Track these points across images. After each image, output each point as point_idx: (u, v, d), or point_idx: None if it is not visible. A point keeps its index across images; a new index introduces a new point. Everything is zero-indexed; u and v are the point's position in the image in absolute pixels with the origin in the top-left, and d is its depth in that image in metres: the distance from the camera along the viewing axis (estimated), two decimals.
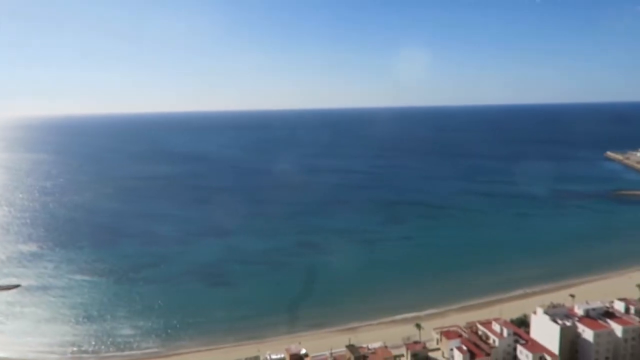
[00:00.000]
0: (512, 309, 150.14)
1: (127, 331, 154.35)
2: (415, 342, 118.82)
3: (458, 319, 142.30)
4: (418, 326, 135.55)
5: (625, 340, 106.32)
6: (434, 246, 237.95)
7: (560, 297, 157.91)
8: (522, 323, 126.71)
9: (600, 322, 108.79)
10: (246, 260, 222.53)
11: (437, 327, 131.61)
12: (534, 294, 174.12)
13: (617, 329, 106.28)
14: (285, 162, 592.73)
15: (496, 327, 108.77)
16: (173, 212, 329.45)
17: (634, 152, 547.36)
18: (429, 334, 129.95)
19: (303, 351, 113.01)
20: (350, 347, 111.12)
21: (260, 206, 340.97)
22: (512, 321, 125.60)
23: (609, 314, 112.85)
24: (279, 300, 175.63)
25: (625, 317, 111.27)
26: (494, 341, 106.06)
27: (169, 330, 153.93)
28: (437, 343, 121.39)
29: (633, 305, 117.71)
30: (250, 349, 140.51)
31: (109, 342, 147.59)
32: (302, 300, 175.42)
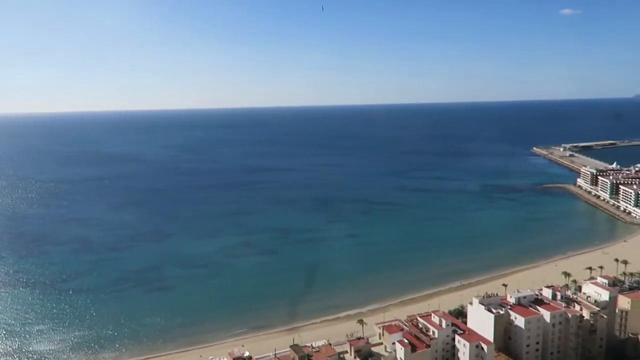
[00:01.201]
0: (450, 301, 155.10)
1: (52, 346, 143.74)
2: (359, 338, 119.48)
3: (399, 313, 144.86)
4: (361, 322, 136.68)
5: (553, 325, 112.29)
6: (374, 243, 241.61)
7: (494, 287, 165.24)
8: (460, 314, 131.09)
9: (531, 309, 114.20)
10: (185, 263, 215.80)
11: (379, 322, 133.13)
12: (470, 285, 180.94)
13: (546, 314, 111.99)
14: (224, 161, 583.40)
15: (435, 319, 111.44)
16: (105, 216, 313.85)
17: (557, 148, 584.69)
18: (372, 329, 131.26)
19: (246, 354, 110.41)
20: (294, 347, 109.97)
21: (198, 207, 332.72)
22: (450, 312, 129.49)
23: (539, 300, 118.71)
24: (220, 304, 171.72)
25: (552, 303, 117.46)
26: (433, 333, 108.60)
27: (102, 341, 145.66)
28: (380, 338, 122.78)
29: (559, 291, 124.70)
30: (192, 355, 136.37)
31: None
32: (243, 302, 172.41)
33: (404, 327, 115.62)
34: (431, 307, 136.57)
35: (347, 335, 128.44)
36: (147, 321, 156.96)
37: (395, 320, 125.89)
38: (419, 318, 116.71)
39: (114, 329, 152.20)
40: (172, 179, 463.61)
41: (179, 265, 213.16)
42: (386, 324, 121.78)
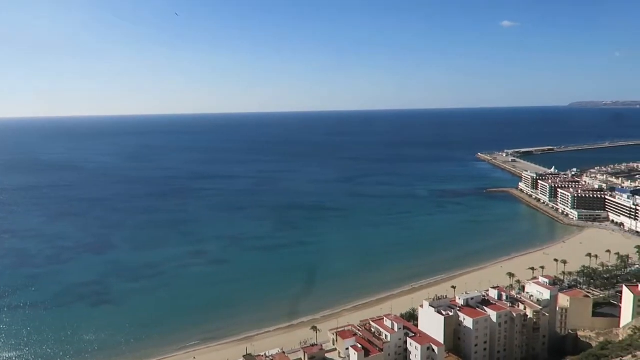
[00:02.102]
0: (402, 304, 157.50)
1: None
2: (313, 345, 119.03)
3: (353, 318, 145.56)
4: (315, 329, 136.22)
5: (500, 324, 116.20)
6: (326, 249, 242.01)
7: (443, 289, 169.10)
8: (412, 316, 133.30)
9: (479, 309, 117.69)
10: (131, 275, 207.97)
11: (333, 328, 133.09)
12: (421, 288, 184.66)
13: (493, 314, 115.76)
14: (170, 169, 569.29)
15: (388, 322, 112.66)
16: (44, 227, 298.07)
17: (500, 153, 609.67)
18: (326, 336, 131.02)
19: None
20: (247, 357, 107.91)
21: (144, 216, 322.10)
22: (402, 316, 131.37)
23: (486, 301, 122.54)
24: (169, 315, 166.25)
25: (499, 304, 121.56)
26: (386, 336, 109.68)
27: None
28: (334, 344, 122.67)
29: (505, 292, 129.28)
30: None
31: None
32: (194, 313, 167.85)
33: (357, 332, 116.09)
34: (384, 311, 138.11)
35: (300, 343, 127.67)
36: (91, 337, 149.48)
37: (349, 325, 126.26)
38: (371, 322, 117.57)
39: (55, 347, 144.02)
40: (115, 187, 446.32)
41: (125, 277, 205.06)
42: (340, 330, 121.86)
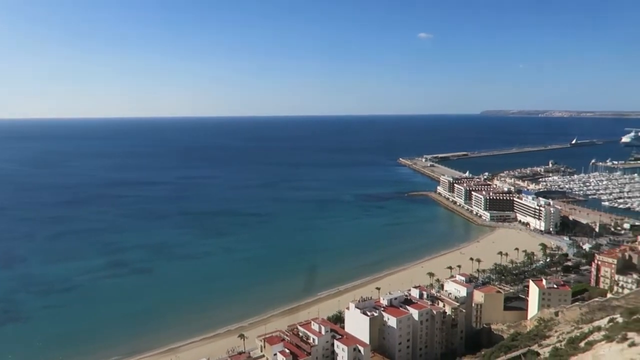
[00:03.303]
0: (328, 307, 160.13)
1: None
2: (240, 353, 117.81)
3: (281, 324, 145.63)
4: (242, 336, 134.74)
5: (421, 322, 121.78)
6: (252, 255, 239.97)
7: (368, 291, 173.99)
8: (338, 319, 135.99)
9: (401, 309, 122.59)
10: (42, 289, 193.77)
11: (260, 334, 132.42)
12: (347, 290, 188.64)
13: (414, 313, 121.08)
14: (83, 175, 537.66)
15: (315, 326, 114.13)
16: None
17: (420, 159, 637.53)
18: (254, 343, 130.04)
19: None
20: None
21: (54, 226, 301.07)
22: (329, 318, 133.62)
23: (408, 300, 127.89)
24: (87, 331, 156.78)
25: (420, 302, 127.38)
26: (313, 340, 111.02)
27: None
28: (262, 350, 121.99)
29: (425, 291, 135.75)
30: None
31: None
32: (114, 326, 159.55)
33: (285, 337, 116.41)
34: (311, 315, 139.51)
35: (228, 352, 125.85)
36: None
37: (277, 331, 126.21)
38: (299, 327, 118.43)
39: None
40: (20, 195, 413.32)
41: (35, 292, 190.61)
42: (267, 336, 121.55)
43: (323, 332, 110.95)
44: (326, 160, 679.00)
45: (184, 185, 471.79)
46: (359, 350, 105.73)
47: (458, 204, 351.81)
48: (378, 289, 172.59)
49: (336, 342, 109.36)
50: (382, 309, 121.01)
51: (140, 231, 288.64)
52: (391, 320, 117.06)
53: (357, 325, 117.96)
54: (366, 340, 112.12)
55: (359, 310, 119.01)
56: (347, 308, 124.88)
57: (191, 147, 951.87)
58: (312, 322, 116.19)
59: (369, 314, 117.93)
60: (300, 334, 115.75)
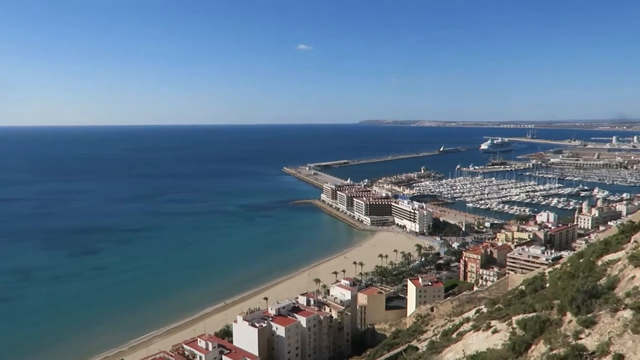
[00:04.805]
0: (216, 322, 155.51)
1: None
2: None
3: (165, 344, 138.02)
4: None
5: (309, 328, 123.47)
6: (131, 273, 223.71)
7: (256, 302, 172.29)
8: (226, 333, 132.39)
9: (290, 317, 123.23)
10: None
11: (142, 358, 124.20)
12: (234, 303, 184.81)
13: (302, 320, 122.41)
14: None
15: (201, 343, 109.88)
16: None
17: (303, 167, 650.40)
18: None
19: None
20: None
21: None
22: (216, 334, 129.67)
23: (296, 308, 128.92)
24: None
25: (307, 309, 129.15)
26: (200, 358, 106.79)
27: None
28: None
29: (312, 297, 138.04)
30: None
31: None
32: None
33: (170, 358, 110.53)
34: (197, 332, 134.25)
35: None
36: None
37: (160, 352, 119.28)
38: (184, 345, 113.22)
39: None
40: None
41: None
42: (150, 359, 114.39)
43: (210, 348, 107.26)
44: (210, 171, 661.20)
45: (49, 200, 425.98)
46: None
47: (341, 210, 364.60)
48: (266, 299, 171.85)
49: (224, 358, 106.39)
50: (271, 319, 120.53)
51: None
52: (280, 330, 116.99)
53: (246, 337, 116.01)
54: (255, 352, 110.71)
55: (247, 323, 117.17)
56: (235, 321, 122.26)
57: (60, 159, 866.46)
58: (199, 339, 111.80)
59: (257, 325, 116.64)
60: (186, 353, 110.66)
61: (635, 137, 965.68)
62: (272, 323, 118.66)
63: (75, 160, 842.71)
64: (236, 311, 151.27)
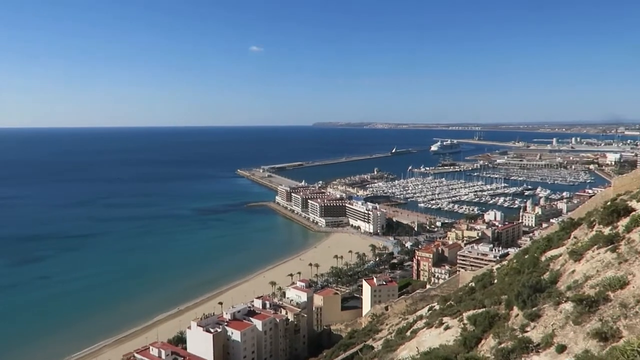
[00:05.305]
0: (169, 329, 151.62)
1: None
2: None
3: (115, 354, 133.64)
4: None
5: (265, 332, 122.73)
6: (77, 281, 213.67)
7: (211, 307, 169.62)
8: (180, 340, 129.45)
9: (245, 321, 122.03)
10: None
11: None
12: (188, 309, 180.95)
13: (258, 324, 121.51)
14: None
15: (154, 351, 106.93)
16: None
17: (258, 169, 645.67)
18: None
19: None
20: None
21: None
22: (169, 341, 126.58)
23: (252, 312, 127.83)
24: None
25: (263, 312, 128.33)
26: None
27: None
28: None
29: (268, 300, 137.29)
30: None
31: None
32: None
33: None
34: (149, 340, 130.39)
35: None
36: None
37: None
38: (136, 355, 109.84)
39: None
40: None
41: None
42: None
43: (163, 356, 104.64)
44: (159, 174, 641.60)
45: None
46: None
47: (296, 212, 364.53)
48: (221, 303, 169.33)
49: None
50: (226, 323, 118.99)
51: None
52: (235, 334, 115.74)
53: (201, 344, 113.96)
54: (210, 358, 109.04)
55: (201, 328, 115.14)
56: (189, 327, 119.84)
57: None
58: (151, 347, 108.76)
59: (212, 330, 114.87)
60: None
61: (573, 139, 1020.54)
62: (228, 328, 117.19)
63: (12, 164, 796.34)
64: (190, 317, 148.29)
